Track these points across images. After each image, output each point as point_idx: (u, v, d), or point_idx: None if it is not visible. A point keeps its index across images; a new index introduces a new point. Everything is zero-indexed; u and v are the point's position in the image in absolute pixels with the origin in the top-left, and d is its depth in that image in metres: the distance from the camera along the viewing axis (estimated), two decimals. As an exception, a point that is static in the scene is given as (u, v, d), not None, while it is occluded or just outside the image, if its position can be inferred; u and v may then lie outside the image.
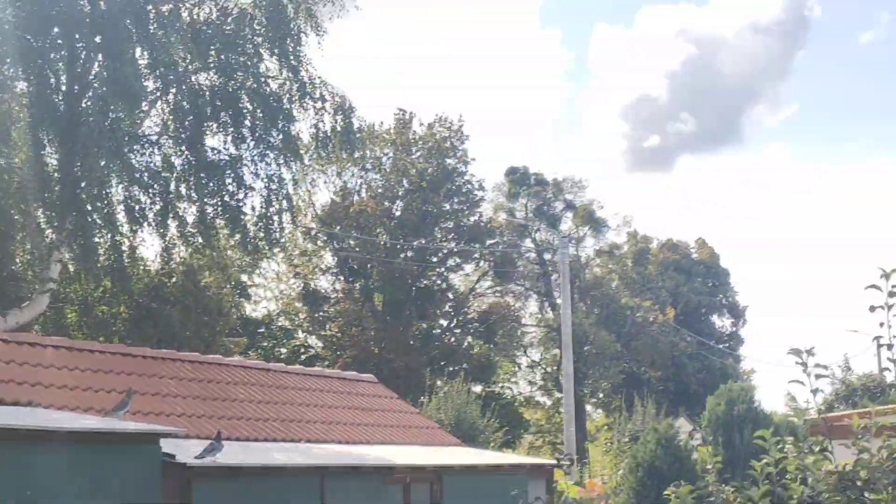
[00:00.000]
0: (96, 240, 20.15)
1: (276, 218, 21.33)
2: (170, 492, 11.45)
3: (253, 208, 21.29)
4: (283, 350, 47.74)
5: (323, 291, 49.31)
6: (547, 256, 55.75)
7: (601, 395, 55.43)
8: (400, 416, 19.85)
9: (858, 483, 5.63)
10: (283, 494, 13.11)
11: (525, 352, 56.58)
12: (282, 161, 21.14)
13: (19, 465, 9.78)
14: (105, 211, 20.04)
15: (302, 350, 48.66)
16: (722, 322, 63.87)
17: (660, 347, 53.59)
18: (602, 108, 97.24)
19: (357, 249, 46.81)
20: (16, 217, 19.77)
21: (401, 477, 15.29)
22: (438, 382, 40.45)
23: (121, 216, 20.77)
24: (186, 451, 11.99)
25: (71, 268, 21.84)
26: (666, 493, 9.16)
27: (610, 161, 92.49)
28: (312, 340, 49.71)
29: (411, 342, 46.63)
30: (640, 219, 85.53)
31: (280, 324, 49.13)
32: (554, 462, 19.87)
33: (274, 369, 18.82)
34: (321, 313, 48.62)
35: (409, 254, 47.54)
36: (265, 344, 46.19)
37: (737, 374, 57.86)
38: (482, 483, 17.01)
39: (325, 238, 47.72)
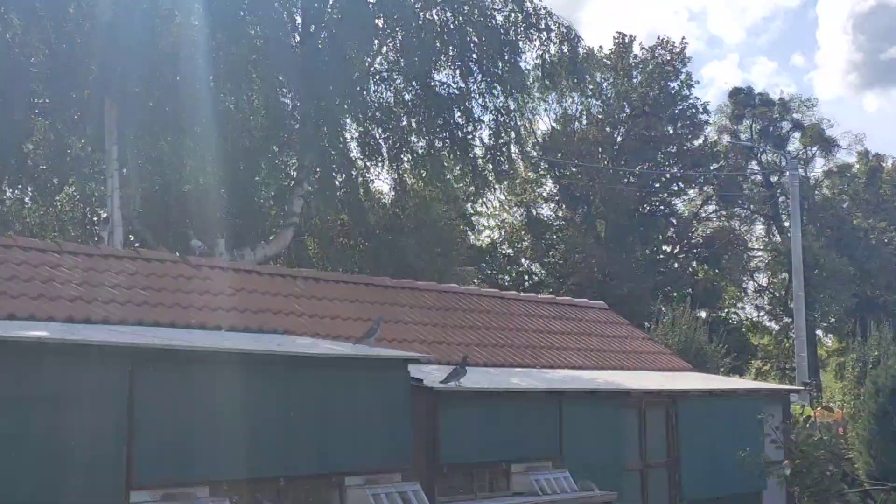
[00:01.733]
0: (334, 175, 21.00)
1: (504, 150, 21.68)
2: (418, 415, 12.05)
3: (481, 140, 21.71)
4: (507, 278, 48.44)
5: (545, 219, 49.64)
6: (773, 179, 54.28)
7: (832, 320, 53.84)
8: (632, 342, 20.02)
9: None
10: (523, 418, 13.55)
11: (752, 276, 55.46)
12: (508, 93, 21.41)
13: (280, 387, 10.50)
14: (341, 147, 20.84)
15: (525, 277, 49.26)
16: (963, 243, 60.80)
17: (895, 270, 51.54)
18: (833, 19, 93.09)
19: (579, 176, 46.82)
20: (258, 157, 20.81)
21: (636, 402, 15.53)
22: (663, 308, 40.24)
23: (355, 152, 21.56)
24: (431, 377, 12.56)
25: (311, 203, 22.84)
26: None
27: (842, 77, 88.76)
28: (536, 268, 50.20)
29: (635, 268, 46.47)
30: (873, 137, 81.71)
31: (503, 252, 49.79)
32: (790, 388, 19.65)
33: (507, 297, 19.28)
34: (544, 241, 48.99)
35: (632, 179, 47.22)
36: (489, 272, 46.96)
37: (979, 296, 55.12)
38: (717, 408, 17.05)
39: (547, 166, 47.91)
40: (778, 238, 54.08)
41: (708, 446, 16.63)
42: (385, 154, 21.66)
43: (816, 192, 54.74)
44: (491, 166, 21.90)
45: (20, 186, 22.99)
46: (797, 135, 55.71)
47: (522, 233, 49.36)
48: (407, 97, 21.81)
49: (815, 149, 55.52)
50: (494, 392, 13.08)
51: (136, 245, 19.84)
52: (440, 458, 12.29)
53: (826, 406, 24.54)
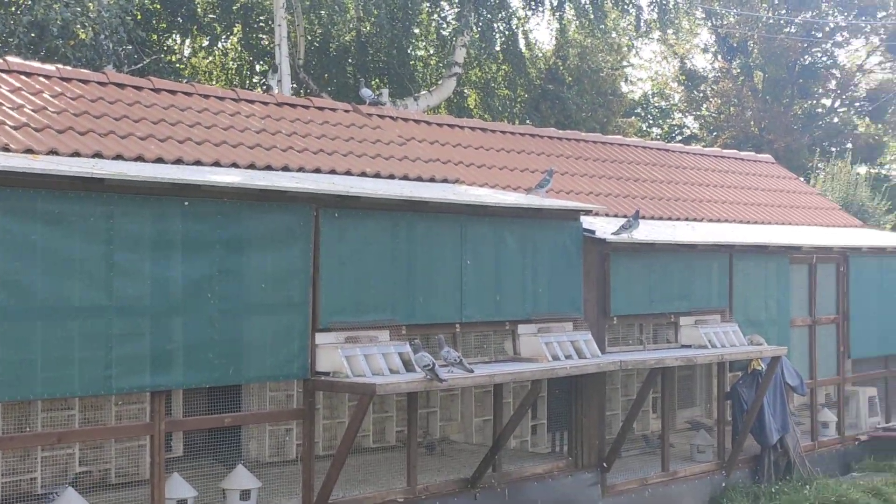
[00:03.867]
0: (494, 24, 20.71)
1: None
2: (589, 266, 12.06)
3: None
4: (658, 131, 47.62)
5: (700, 70, 48.36)
6: (945, 28, 51.57)
7: None
8: (799, 197, 19.56)
9: None
10: (692, 271, 13.47)
11: (917, 131, 53.31)
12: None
13: (456, 236, 10.60)
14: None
15: (678, 131, 48.34)
16: None
17: None
18: None
19: (737, 26, 45.26)
20: (418, 6, 20.61)
21: (806, 257, 15.24)
22: (820, 164, 39.13)
23: (516, 1, 21.18)
24: (602, 228, 12.51)
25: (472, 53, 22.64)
26: None
27: None
28: (689, 121, 49.19)
29: (792, 122, 45.10)
30: None
31: (656, 104, 48.84)
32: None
33: (673, 149, 18.95)
34: (698, 93, 47.81)
35: (793, 29, 45.44)
36: (642, 125, 46.20)
37: None
38: (889, 265, 16.64)
39: (703, 15, 46.40)
40: (946, 91, 51.68)
41: (878, 303, 16.34)
42: (547, 3, 21.20)
43: None
44: (655, 14, 21.24)
45: (190, 35, 23.31)
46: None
47: (675, 84, 48.24)
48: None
49: None
50: (665, 245, 12.97)
51: (303, 94, 20.03)
52: (610, 308, 12.33)
53: None
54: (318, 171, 11.43)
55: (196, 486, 9.17)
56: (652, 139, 40.03)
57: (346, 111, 13.57)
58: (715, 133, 45.80)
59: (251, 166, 10.84)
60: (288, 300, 9.23)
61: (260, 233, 9.05)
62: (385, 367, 9.54)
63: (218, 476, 9.68)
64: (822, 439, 15.52)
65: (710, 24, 46.86)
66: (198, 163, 10.38)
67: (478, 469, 10.84)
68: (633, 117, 34.96)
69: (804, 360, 15.28)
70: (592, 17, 21.20)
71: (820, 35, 46.57)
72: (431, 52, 21.11)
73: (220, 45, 23.38)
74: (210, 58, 23.96)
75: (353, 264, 9.74)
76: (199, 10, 21.47)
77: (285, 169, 11.11)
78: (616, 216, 14.06)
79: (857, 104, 48.75)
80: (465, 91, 25.30)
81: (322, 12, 19.82)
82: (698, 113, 48.30)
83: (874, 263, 16.38)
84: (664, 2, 20.70)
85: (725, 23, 45.91)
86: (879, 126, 48.14)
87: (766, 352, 13.49)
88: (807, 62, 47.09)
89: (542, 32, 34.99)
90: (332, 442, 11.33)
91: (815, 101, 48.55)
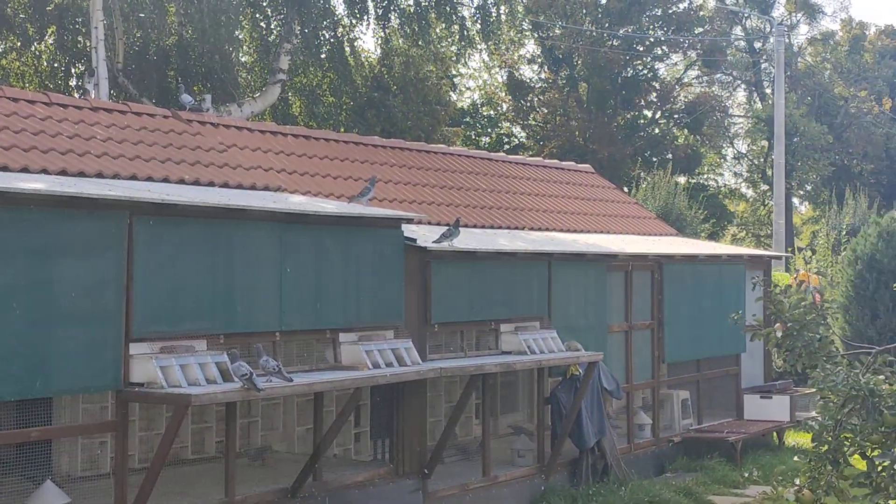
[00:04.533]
0: (319, 32, 20.66)
1: (493, 10, 21.35)
2: (410, 273, 12.14)
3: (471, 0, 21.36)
4: (487, 140, 48.29)
5: (527, 81, 49.25)
6: (757, 45, 53.90)
7: (809, 188, 54.16)
8: (618, 206, 20.12)
9: None
10: (512, 279, 13.70)
11: (731, 143, 55.54)
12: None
13: (276, 244, 10.53)
14: (325, 4, 20.46)
15: (506, 140, 49.12)
16: (943, 113, 60.82)
17: (874, 139, 51.64)
18: None
19: (562, 38, 46.30)
20: (241, 11, 20.41)
21: (623, 264, 15.69)
22: (643, 174, 40.35)
23: (341, 9, 21.18)
24: (423, 237, 12.61)
25: (297, 61, 22.54)
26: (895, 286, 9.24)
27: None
28: (516, 130, 50.03)
29: (616, 133, 46.36)
30: (857, 4, 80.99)
31: (484, 113, 49.51)
32: (773, 254, 19.88)
33: (495, 159, 19.25)
34: (525, 102, 48.69)
35: (616, 42, 46.75)
36: (470, 133, 46.76)
37: (956, 167, 55.49)
38: (701, 272, 17.27)
39: (530, 27, 47.30)
40: (759, 105, 53.96)
41: (691, 309, 16.92)
42: (372, 11, 21.28)
43: (799, 59, 54.47)
44: (479, 26, 21.57)
45: (1, 35, 22.50)
46: (782, 0, 55.16)
47: (503, 94, 49.02)
48: (396, -48, 21.39)
49: (799, 15, 55.04)
50: (485, 253, 13.17)
51: (122, 99, 19.59)
52: (431, 316, 12.43)
53: (819, 272, 24.88)
54: (134, 177, 11.19)
55: (2, 504, 8.86)
56: (480, 148, 40.55)
57: (166, 117, 13.32)
58: (542, 142, 46.70)
59: (63, 172, 10.54)
60: (100, 310, 9.01)
61: (70, 241, 8.80)
62: (202, 377, 9.39)
63: (26, 493, 9.36)
64: (637, 441, 15.98)
65: (536, 35, 47.78)
66: (4, 168, 10.04)
67: (298, 478, 10.79)
68: (460, 126, 35.33)
69: (621, 365, 15.70)
70: (416, 27, 21.41)
71: (641, 49, 48.02)
72: (255, 58, 20.92)
73: (33, 46, 22.66)
74: (22, 59, 23.20)
75: (169, 273, 9.57)
76: (9, 9, 20.76)
77: (99, 175, 10.84)
78: (438, 224, 14.20)
79: (676, 116, 50.43)
80: (290, 98, 25.21)
81: (141, 15, 19.44)
82: (526, 122, 49.19)
83: (687, 271, 16.97)
84: (487, 14, 21.04)
85: (551, 34, 46.89)
86: (697, 138, 49.91)
87: (584, 357, 13.82)
88: (629, 74, 48.49)
89: (368, 40, 35.33)
90: (150, 454, 11.08)
91: (637, 113, 50.04)
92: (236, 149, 13.54)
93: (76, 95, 19.88)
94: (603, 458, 14.67)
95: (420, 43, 23.32)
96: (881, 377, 8.10)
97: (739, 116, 55.56)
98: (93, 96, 17.03)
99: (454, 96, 44.88)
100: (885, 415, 7.66)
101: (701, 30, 49.48)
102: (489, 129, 49.30)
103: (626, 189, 33.83)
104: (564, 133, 45.63)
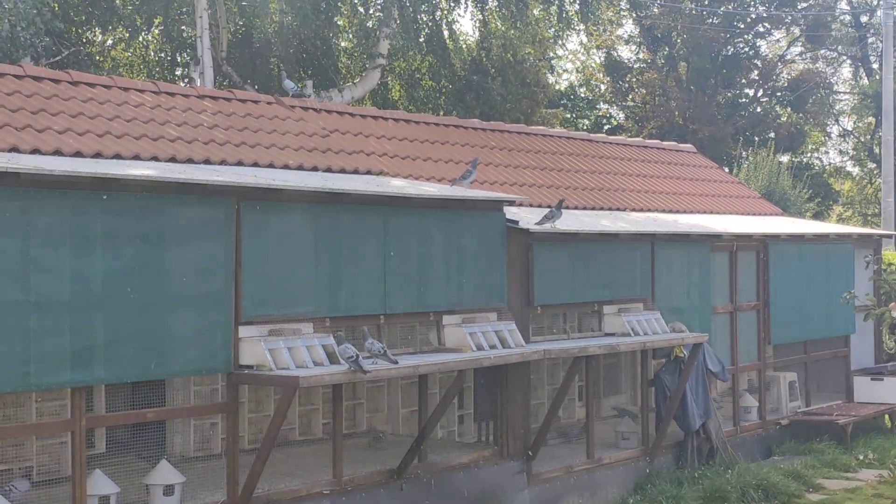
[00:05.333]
0: (417, 15, 20.71)
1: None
2: (513, 256, 12.15)
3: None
4: (586, 122, 47.98)
5: (625, 61, 48.79)
6: (863, 19, 52.57)
7: (918, 165, 52.75)
8: (721, 186, 19.85)
9: None
10: (615, 260, 13.62)
11: (836, 120, 54.35)
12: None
13: (379, 227, 10.62)
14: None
15: (604, 121, 48.75)
16: None
17: None
18: None
19: (661, 17, 45.74)
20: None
21: (727, 245, 15.48)
22: (745, 153, 39.72)
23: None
24: (526, 219, 12.60)
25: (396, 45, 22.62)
26: None
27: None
28: (615, 111, 49.63)
29: (716, 112, 45.70)
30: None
31: (582, 95, 49.20)
32: (883, 232, 19.44)
33: (596, 140, 19.12)
34: (623, 83, 48.25)
35: (716, 20, 46.03)
36: (568, 116, 46.51)
37: None
38: (808, 252, 16.96)
39: (628, 6, 46.82)
40: (865, 81, 52.68)
41: (797, 290, 16.64)
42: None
43: (907, 32, 52.98)
44: (577, 6, 21.40)
45: (110, 27, 23.00)
46: (889, -27, 53.71)
47: (601, 75, 48.63)
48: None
49: (907, -13, 53.54)
50: (587, 234, 13.10)
51: (226, 87, 19.88)
52: (534, 298, 12.42)
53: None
54: (240, 163, 11.37)
55: (119, 483, 9.10)
56: (579, 130, 40.32)
57: (269, 103, 13.49)
58: (641, 123, 46.27)
59: (172, 159, 10.75)
60: (210, 294, 9.19)
61: (180, 226, 8.99)
62: (309, 360, 9.54)
63: (142, 472, 9.61)
64: (743, 424, 15.79)
65: (634, 15, 47.29)
66: (117, 156, 10.28)
67: (403, 460, 10.88)
68: (559, 108, 35.17)
69: (726, 347, 15.52)
70: (514, 9, 21.33)
71: (742, 26, 47.22)
72: (355, 43, 21.08)
73: (140, 37, 23.13)
74: (131, 50, 23.71)
75: (275, 257, 9.72)
76: (118, 1, 21.22)
77: (207, 162, 11.04)
78: (540, 206, 14.16)
79: (779, 94, 49.51)
80: (390, 82, 25.33)
81: (244, 3, 19.71)
82: (624, 103, 48.75)
83: (793, 250, 16.68)
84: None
85: (649, 14, 46.37)
86: (800, 116, 48.95)
87: (688, 339, 13.69)
88: (730, 53, 47.72)
89: (465, 23, 35.51)
90: (259, 436, 11.29)
91: (738, 91, 49.24)
92: (338, 133, 13.67)
93: (182, 84, 20.21)
94: (708, 441, 14.53)
95: (518, 25, 23.23)
96: None
97: (845, 93, 54.31)
98: (198, 84, 17.33)
99: (552, 78, 44.71)
100: None
101: (805, 4, 48.46)
102: (587, 111, 48.97)
103: (727, 169, 33.33)
104: (664, 114, 45.14)
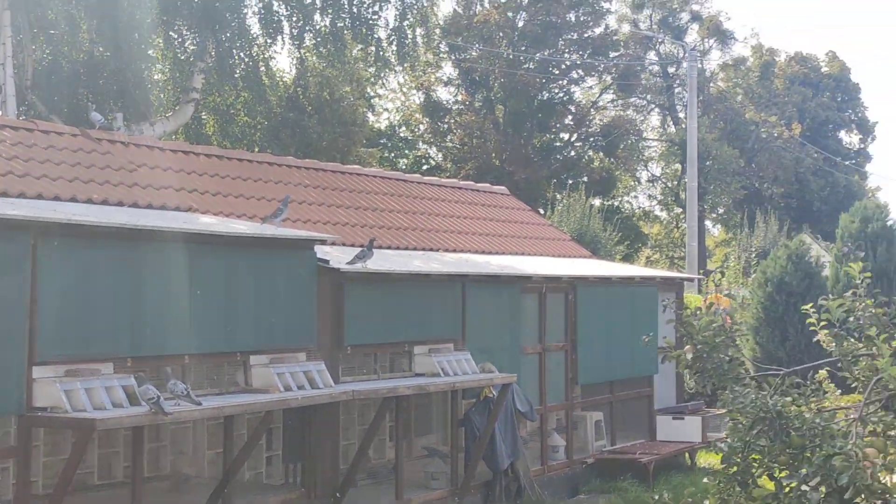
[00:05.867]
0: (233, 51, 20.50)
1: (408, 32, 21.38)
2: (323, 295, 12.04)
3: (386, 21, 21.38)
4: (404, 161, 48.35)
5: (444, 103, 49.48)
6: (671, 70, 54.80)
7: (721, 211, 55.12)
8: (533, 228, 20.20)
9: None
10: (426, 300, 13.66)
11: (646, 166, 56.32)
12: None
13: (186, 265, 10.38)
14: (240, 23, 20.32)
15: (423, 161, 49.24)
16: (850, 139, 62.45)
17: (784, 163, 52.78)
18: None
19: (479, 61, 46.61)
20: (153, 29, 20.18)
21: (536, 286, 15.74)
22: (558, 196, 40.70)
23: (256, 28, 21.06)
24: (336, 258, 12.52)
25: (210, 80, 22.35)
26: (804, 308, 9.38)
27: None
28: (433, 152, 50.19)
29: (532, 155, 46.77)
30: (767, 31, 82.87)
31: (402, 134, 49.60)
32: (685, 276, 20.12)
33: (410, 180, 19.22)
34: (442, 125, 48.90)
35: (532, 66, 47.18)
36: (388, 155, 46.79)
37: (862, 191, 56.91)
38: (615, 294, 17.39)
39: (447, 49, 47.53)
40: (672, 129, 54.83)
41: (604, 331, 17.01)
42: (287, 31, 21.18)
43: (711, 84, 55.46)
44: (394, 47, 21.59)
45: None
46: (695, 26, 56.22)
47: (420, 115, 49.16)
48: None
49: (711, 41, 56.08)
50: (399, 274, 13.11)
51: (30, 117, 19.21)
52: (345, 338, 12.33)
53: (728, 294, 25.25)
54: (40, 197, 10.96)
55: None
56: (398, 170, 40.57)
57: (74, 135, 13.06)
58: (459, 164, 46.91)
59: (-36, 192, 10.28)
60: (2, 332, 8.78)
61: (-29, 262, 8.58)
62: (108, 402, 9.20)
63: (-77, 521, 9.07)
64: (551, 463, 16.01)
65: (453, 57, 48.04)
66: None
67: (207, 503, 10.60)
68: (377, 147, 35.34)
69: (534, 387, 15.71)
70: (332, 48, 21.38)
71: (557, 72, 48.52)
72: (169, 76, 20.71)
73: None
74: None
75: (75, 295, 9.37)
76: None
77: (4, 195, 10.59)
78: (352, 245, 14.10)
79: (592, 139, 51.02)
80: (204, 117, 24.96)
81: (52, 31, 19.12)
82: (443, 144, 49.39)
83: (600, 292, 17.07)
84: (403, 35, 21.08)
85: (468, 57, 47.18)
86: (612, 161, 50.53)
87: (497, 379, 13.81)
88: (545, 98, 48.99)
89: (283, 60, 35.58)
90: (55, 480, 10.81)
91: (553, 135, 50.55)
92: (146, 168, 13.32)
93: (-18, 113, 19.45)
94: (517, 480, 14.67)
95: (336, 64, 23.28)
96: (789, 399, 8.23)
97: (653, 140, 56.39)
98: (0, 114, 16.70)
99: (371, 117, 44.92)
100: (793, 436, 7.77)
101: (616, 54, 50.21)
102: (406, 151, 49.39)
103: (541, 211, 34.04)
104: (481, 155, 45.93)
